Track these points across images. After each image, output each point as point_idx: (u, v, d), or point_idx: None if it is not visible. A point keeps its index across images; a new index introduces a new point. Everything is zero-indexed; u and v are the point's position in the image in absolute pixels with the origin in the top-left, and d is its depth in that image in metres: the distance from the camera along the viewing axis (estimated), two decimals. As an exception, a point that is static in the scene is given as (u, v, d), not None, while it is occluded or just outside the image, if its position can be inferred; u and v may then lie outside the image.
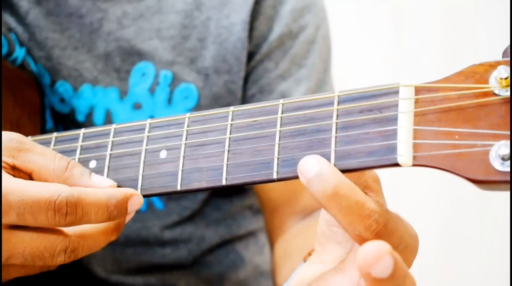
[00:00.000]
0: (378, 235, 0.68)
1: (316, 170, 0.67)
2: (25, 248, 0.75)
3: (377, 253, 0.62)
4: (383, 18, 2.27)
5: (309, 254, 0.80)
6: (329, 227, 0.75)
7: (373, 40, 2.27)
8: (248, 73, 1.16)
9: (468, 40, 2.21)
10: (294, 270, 0.81)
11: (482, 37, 2.18)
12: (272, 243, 1.25)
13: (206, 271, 1.19)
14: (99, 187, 0.79)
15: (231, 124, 0.75)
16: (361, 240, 0.69)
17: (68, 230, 0.77)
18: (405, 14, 2.27)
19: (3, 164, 0.77)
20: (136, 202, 0.77)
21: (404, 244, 0.71)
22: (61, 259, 0.76)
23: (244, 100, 1.17)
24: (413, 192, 2.21)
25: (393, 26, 2.27)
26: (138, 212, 1.14)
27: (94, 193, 0.75)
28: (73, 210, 0.74)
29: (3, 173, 0.75)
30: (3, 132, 0.80)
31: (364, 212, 0.67)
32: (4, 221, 0.74)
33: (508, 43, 0.67)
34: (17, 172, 0.78)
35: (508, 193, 0.63)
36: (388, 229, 0.68)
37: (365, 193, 0.73)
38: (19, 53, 1.06)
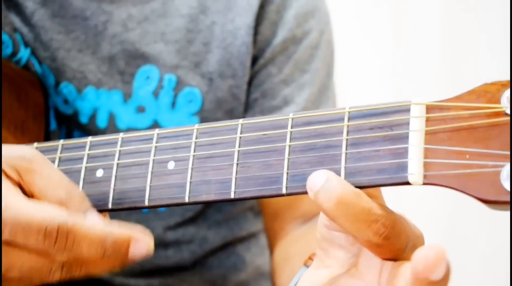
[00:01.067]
0: (387, 238, 0.68)
1: (323, 182, 0.67)
2: (22, 263, 0.74)
3: (438, 257, 0.63)
4: (382, 23, 2.27)
5: (310, 258, 0.80)
6: (329, 231, 0.76)
7: (373, 44, 2.27)
8: (251, 77, 1.16)
9: (468, 42, 2.22)
10: (294, 274, 0.81)
11: (482, 39, 2.18)
12: (271, 248, 1.25)
13: (207, 273, 1.20)
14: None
15: (240, 137, 0.75)
16: (371, 245, 0.69)
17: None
18: (404, 19, 2.27)
19: (10, 178, 0.77)
20: (141, 247, 0.74)
21: (411, 243, 0.71)
22: (58, 276, 0.75)
23: (246, 105, 1.17)
24: (413, 191, 2.22)
25: (392, 30, 2.27)
26: (140, 213, 1.15)
27: (91, 227, 0.73)
28: (63, 239, 0.72)
29: (8, 186, 0.75)
30: (17, 146, 0.80)
31: (371, 218, 0.67)
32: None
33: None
34: (21, 190, 0.78)
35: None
36: (396, 231, 0.69)
37: None
38: (24, 53, 1.06)
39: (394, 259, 0.71)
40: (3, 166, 0.76)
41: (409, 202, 2.20)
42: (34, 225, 0.72)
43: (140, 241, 0.74)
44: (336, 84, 1.27)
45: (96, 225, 0.74)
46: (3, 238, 0.73)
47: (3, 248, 0.74)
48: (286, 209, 1.20)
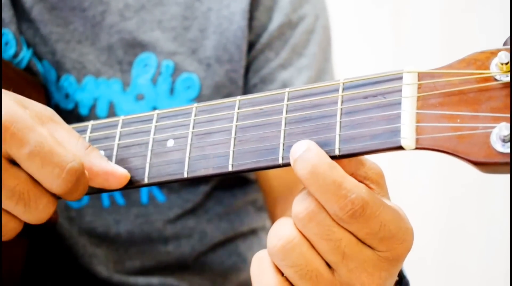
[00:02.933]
0: (353, 216, 0.70)
1: (302, 151, 0.71)
2: (17, 184, 0.77)
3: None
4: (382, 14, 2.28)
5: None
6: None
7: (372, 36, 2.28)
8: (249, 63, 1.18)
9: (467, 36, 2.22)
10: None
11: (482, 34, 2.19)
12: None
13: (208, 272, 1.20)
14: (114, 173, 0.82)
15: (238, 113, 0.77)
16: (339, 220, 0.71)
17: None
18: (404, 11, 2.28)
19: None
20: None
21: (387, 232, 0.72)
22: (40, 216, 0.79)
23: (246, 90, 1.18)
24: (413, 189, 2.22)
25: (392, 22, 2.28)
26: (140, 206, 1.16)
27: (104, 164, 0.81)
28: (79, 178, 0.77)
29: (33, 116, 0.79)
30: (40, 103, 0.83)
31: (340, 192, 0.70)
32: (14, 152, 0.76)
33: (508, 40, 0.68)
34: None
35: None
36: (366, 213, 0.70)
37: (365, 185, 0.74)
38: (26, 54, 1.08)
39: (367, 243, 0.73)
40: (29, 109, 0.80)
41: (409, 199, 2.21)
42: (56, 156, 0.76)
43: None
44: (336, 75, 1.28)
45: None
46: (18, 155, 0.76)
47: (5, 163, 0.76)
48: (287, 193, 1.21)
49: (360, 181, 0.74)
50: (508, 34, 0.69)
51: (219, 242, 1.22)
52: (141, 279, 1.17)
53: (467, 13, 2.24)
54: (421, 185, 2.22)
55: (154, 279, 1.18)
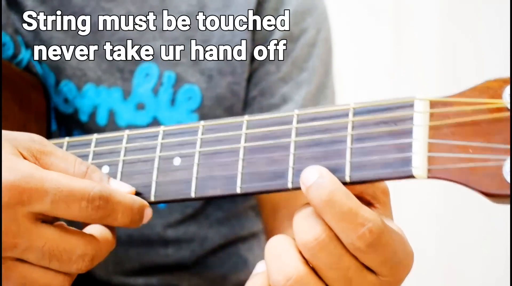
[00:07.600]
0: (371, 246, 0.69)
1: (316, 178, 0.70)
2: (45, 243, 0.75)
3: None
4: (382, 23, 2.28)
5: None
6: None
7: (373, 46, 2.28)
8: (250, 76, 1.18)
9: (468, 43, 2.22)
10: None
11: (483, 38, 2.19)
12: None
13: (208, 273, 1.20)
14: None
15: (246, 133, 0.76)
16: (355, 250, 0.70)
17: (90, 237, 0.79)
18: (405, 22, 2.28)
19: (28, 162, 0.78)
20: (149, 214, 0.80)
21: (397, 259, 0.72)
22: (77, 266, 0.77)
23: (245, 102, 1.18)
24: (413, 194, 2.22)
25: (392, 31, 2.28)
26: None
27: (122, 194, 0.77)
28: (105, 205, 0.75)
29: (37, 166, 0.76)
30: (25, 133, 0.80)
31: (357, 220, 0.69)
32: (37, 208, 0.74)
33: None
34: None
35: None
36: (382, 241, 0.70)
37: (372, 204, 0.75)
38: (25, 55, 1.07)
39: (376, 271, 0.72)
40: (19, 149, 0.77)
41: (409, 205, 2.21)
42: (77, 192, 0.74)
43: (148, 208, 0.80)
44: (336, 84, 1.28)
45: (123, 193, 0.79)
46: (42, 210, 0.75)
47: (29, 223, 0.75)
48: (285, 205, 1.21)
49: (368, 201, 0.74)
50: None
51: (220, 245, 1.22)
52: (140, 279, 1.17)
53: (467, 16, 2.24)
54: (422, 191, 2.22)
55: (154, 279, 1.18)
